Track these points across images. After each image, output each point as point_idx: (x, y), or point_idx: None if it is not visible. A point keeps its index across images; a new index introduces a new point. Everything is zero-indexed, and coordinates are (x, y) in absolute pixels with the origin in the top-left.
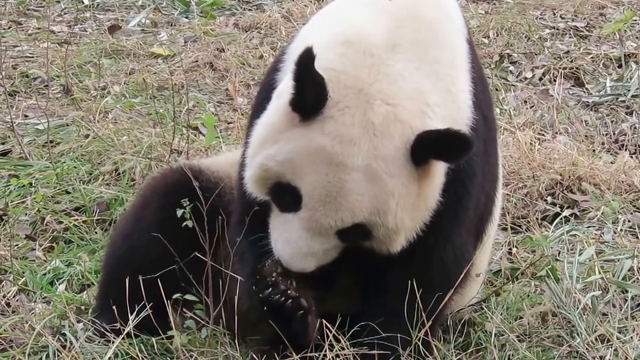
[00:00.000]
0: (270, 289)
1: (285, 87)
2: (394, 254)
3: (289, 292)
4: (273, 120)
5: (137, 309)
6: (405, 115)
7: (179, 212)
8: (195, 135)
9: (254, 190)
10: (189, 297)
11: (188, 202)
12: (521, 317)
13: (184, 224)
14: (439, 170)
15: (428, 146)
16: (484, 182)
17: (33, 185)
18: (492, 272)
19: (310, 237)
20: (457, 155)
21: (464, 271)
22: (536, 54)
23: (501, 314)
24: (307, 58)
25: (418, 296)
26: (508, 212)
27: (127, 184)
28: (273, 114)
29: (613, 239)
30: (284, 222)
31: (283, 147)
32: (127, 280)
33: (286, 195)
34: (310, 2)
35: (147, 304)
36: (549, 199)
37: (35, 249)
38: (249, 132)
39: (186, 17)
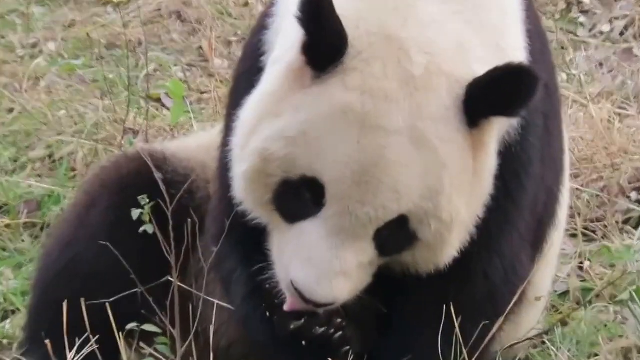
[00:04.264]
0: (306, 317)
1: (283, 51)
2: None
3: (337, 320)
4: (271, 90)
5: (78, 343)
6: (449, 66)
7: (136, 214)
8: (157, 110)
9: (247, 200)
10: (148, 327)
11: (148, 201)
12: (596, 355)
13: (142, 229)
14: (493, 140)
15: (483, 94)
16: (543, 173)
17: None
18: (556, 294)
19: (341, 245)
20: (522, 95)
21: (518, 292)
22: (616, 0)
23: (569, 350)
24: None
25: (457, 325)
26: (578, 214)
27: (65, 175)
28: (270, 84)
29: None
30: (298, 236)
31: (292, 118)
32: (65, 304)
33: (300, 195)
34: None
35: (92, 336)
36: (633, 195)
37: None
38: (230, 114)
39: None
